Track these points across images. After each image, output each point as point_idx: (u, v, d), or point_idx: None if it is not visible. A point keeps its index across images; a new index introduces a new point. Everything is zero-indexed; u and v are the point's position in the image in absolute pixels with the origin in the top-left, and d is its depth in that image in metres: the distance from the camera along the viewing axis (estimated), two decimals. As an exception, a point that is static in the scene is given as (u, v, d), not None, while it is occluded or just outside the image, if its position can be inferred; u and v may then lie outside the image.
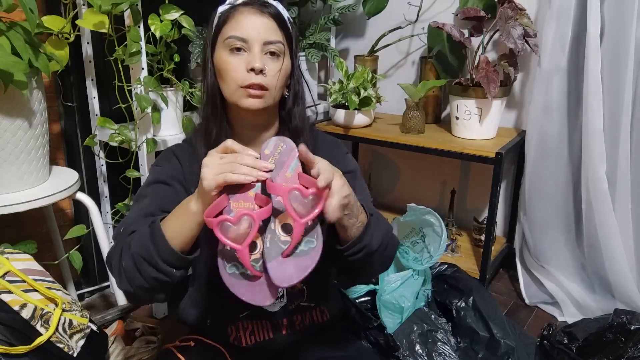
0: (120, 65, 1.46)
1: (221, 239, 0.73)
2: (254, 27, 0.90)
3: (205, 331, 1.06)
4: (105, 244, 1.52)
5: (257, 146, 0.95)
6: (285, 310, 1.03)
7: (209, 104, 0.96)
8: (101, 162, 1.79)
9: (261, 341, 1.04)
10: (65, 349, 1.05)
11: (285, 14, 0.95)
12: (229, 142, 0.79)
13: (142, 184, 1.60)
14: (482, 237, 1.96)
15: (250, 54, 0.90)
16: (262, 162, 0.78)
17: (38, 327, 1.03)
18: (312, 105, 1.13)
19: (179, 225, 0.81)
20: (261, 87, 0.90)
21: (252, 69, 0.88)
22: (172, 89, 1.63)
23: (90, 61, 1.68)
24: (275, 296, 0.78)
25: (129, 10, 1.39)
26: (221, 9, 0.94)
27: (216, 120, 0.96)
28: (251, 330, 1.04)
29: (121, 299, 1.56)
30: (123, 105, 1.48)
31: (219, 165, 0.75)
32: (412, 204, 1.51)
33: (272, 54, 0.91)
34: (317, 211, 0.74)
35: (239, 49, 0.90)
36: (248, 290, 0.77)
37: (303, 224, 0.75)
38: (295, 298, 1.04)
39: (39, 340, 1.00)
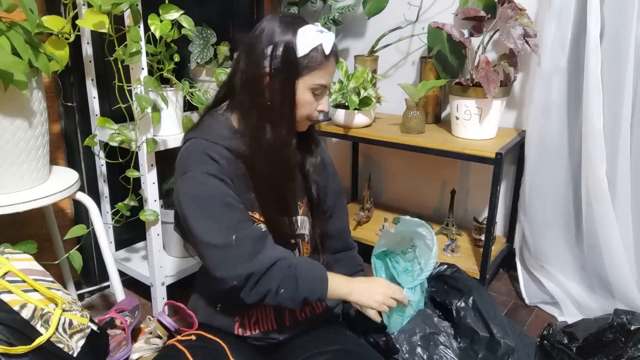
0: (120, 65, 1.46)
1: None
2: (332, 77, 1.08)
3: (212, 319, 1.15)
4: (106, 244, 1.51)
5: None
6: None
7: (281, 124, 1.04)
8: (101, 162, 1.79)
9: (265, 331, 1.12)
10: (65, 349, 1.05)
11: None
12: (399, 295, 1.17)
13: (142, 184, 1.61)
14: (482, 237, 1.96)
15: (323, 98, 1.08)
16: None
17: (38, 327, 1.03)
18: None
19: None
20: None
21: (322, 111, 1.09)
22: (172, 89, 1.63)
23: (90, 61, 1.68)
24: None
25: (129, 10, 1.39)
26: (312, 44, 1.01)
27: (287, 136, 1.06)
28: (255, 320, 1.13)
29: (121, 299, 1.55)
30: (123, 105, 1.48)
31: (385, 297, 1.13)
32: (407, 217, 1.39)
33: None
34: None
35: (318, 91, 1.05)
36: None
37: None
38: None
39: (39, 340, 1.00)
